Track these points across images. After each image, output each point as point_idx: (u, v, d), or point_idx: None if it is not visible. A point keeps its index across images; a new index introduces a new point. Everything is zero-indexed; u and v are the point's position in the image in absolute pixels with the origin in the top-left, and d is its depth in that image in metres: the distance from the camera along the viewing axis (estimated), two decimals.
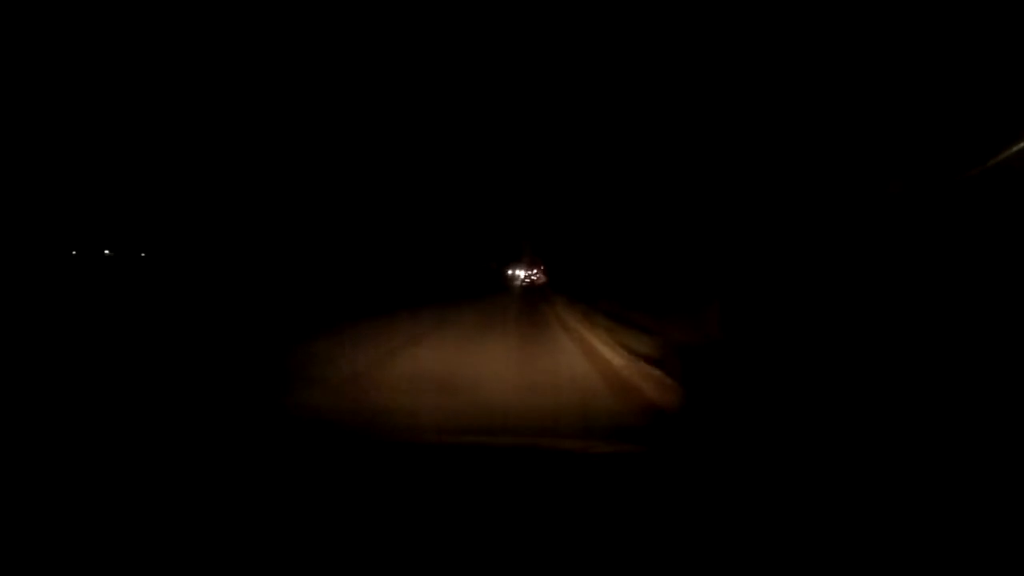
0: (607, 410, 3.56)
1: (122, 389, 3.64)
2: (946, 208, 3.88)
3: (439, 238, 35.95)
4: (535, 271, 43.82)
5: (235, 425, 2.62)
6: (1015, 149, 3.42)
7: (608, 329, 7.11)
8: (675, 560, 0.94)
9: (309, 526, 1.01)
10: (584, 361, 5.62)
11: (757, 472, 1.37)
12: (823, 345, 4.32)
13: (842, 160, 5.11)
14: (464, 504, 1.14)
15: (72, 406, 3.12)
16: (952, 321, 3.51)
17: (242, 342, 6.21)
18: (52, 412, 2.90)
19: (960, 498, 1.16)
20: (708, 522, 1.07)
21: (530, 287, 35.46)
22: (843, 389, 3.29)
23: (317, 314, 9.77)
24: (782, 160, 6.18)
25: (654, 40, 9.54)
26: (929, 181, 4.07)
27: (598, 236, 17.09)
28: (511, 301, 17.63)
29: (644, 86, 10.78)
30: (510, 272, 41.56)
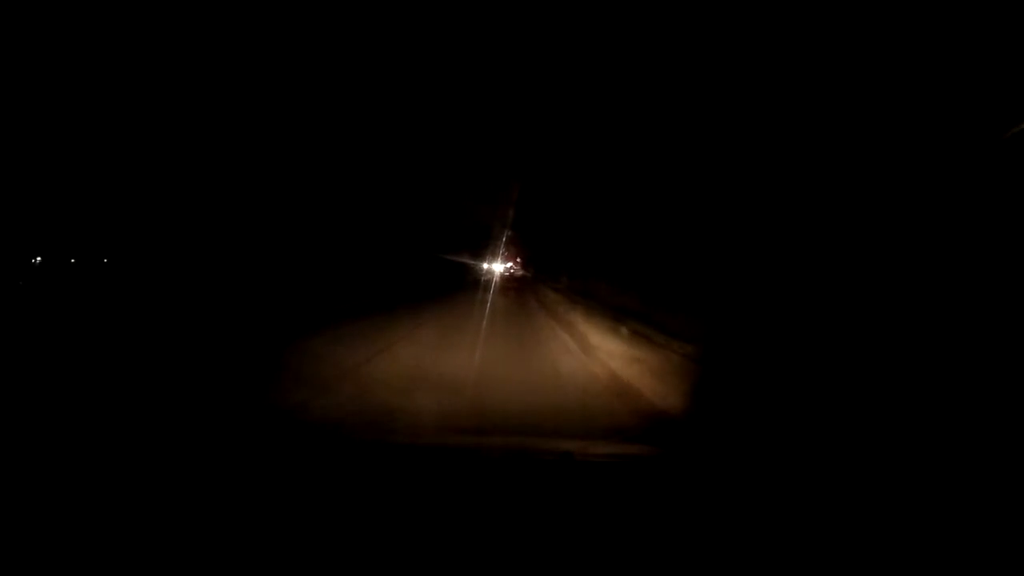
0: None
1: (115, 393, 3.49)
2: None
3: (405, 231, 29.73)
4: (512, 264, 37.93)
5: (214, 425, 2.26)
6: None
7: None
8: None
9: (306, 528, 1.02)
10: None
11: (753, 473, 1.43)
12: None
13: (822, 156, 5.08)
14: (464, 507, 1.15)
15: (66, 412, 2.89)
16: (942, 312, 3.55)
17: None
18: (46, 418, 2.59)
19: (968, 499, 1.23)
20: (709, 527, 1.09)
21: (509, 279, 30.36)
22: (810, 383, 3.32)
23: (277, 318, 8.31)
24: (759, 156, 6.14)
25: (631, 36, 9.43)
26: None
27: (574, 229, 16.48)
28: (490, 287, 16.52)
29: (620, 81, 10.58)
30: (486, 266, 34.42)
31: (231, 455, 1.45)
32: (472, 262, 33.15)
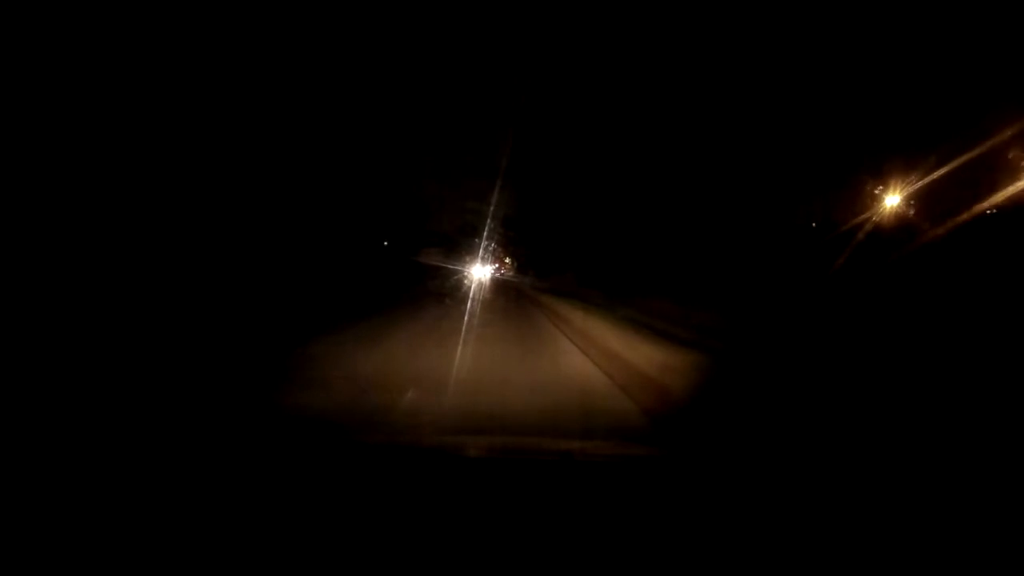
0: None
1: (114, 392, 3.38)
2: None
3: (366, 228, 26.26)
4: (501, 267, 36.99)
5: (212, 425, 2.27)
6: None
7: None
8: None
9: (307, 527, 1.01)
10: None
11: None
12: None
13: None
14: (463, 507, 1.14)
15: (66, 410, 2.82)
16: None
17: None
18: (47, 414, 2.61)
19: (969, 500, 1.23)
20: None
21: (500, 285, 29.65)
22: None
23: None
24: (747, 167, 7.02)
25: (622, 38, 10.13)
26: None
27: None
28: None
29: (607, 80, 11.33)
30: (467, 270, 32.15)
31: (230, 453, 1.43)
32: (448, 264, 30.81)
